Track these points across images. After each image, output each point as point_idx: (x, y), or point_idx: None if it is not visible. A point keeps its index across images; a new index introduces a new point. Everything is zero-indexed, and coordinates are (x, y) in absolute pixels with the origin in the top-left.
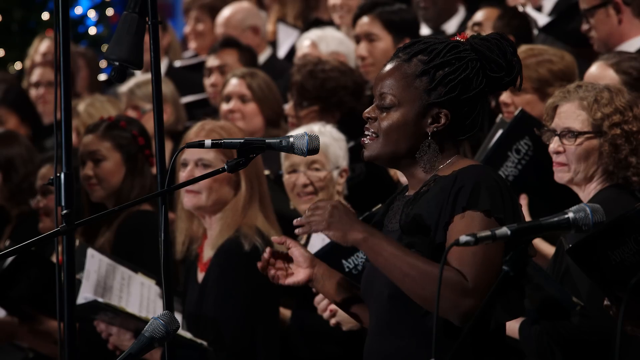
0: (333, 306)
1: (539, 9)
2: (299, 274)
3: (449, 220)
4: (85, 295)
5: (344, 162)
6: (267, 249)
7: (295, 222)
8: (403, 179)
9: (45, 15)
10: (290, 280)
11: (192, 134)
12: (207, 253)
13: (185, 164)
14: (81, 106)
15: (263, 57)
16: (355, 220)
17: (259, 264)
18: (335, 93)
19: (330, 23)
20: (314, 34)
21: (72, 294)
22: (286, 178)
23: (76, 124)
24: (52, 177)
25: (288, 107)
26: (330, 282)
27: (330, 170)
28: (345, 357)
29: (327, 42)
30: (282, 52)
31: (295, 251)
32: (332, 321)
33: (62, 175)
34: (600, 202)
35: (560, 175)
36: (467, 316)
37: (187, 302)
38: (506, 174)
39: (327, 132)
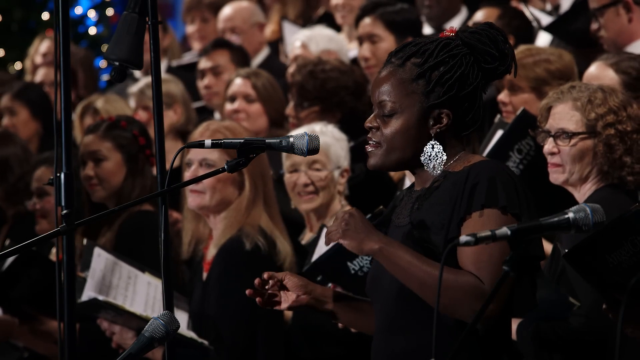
0: None
1: (556, 8)
2: (295, 299)
3: (464, 216)
4: (88, 293)
5: (345, 162)
6: (257, 280)
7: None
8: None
9: (45, 15)
10: (285, 306)
11: (197, 134)
12: (211, 252)
13: (189, 164)
14: (99, 103)
15: (260, 57)
16: (370, 230)
17: (248, 292)
18: (336, 93)
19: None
20: (302, 34)
21: (72, 294)
22: (287, 177)
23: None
24: (52, 177)
25: (289, 107)
26: (327, 299)
27: (331, 170)
28: (347, 357)
29: (317, 41)
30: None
31: (289, 282)
32: (341, 324)
33: (62, 175)
34: (596, 202)
35: (555, 176)
36: (488, 320)
37: (192, 301)
38: None
39: (328, 132)
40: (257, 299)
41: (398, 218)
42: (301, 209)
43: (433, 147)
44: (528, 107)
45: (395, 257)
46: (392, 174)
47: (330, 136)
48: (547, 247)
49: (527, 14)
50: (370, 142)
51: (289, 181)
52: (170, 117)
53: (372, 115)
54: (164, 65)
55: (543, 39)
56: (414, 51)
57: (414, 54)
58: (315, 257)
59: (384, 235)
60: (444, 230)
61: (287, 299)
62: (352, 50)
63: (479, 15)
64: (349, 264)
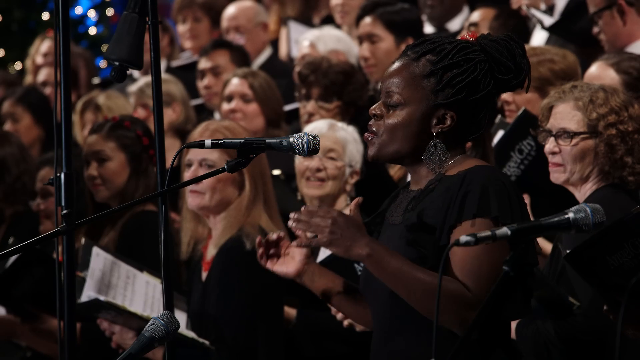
0: None
1: (551, 8)
2: (289, 265)
3: (454, 223)
4: (88, 293)
5: (357, 165)
6: (270, 235)
7: (291, 215)
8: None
9: (45, 15)
10: (278, 269)
11: (197, 134)
12: (211, 252)
13: (189, 164)
14: (100, 99)
15: (263, 56)
16: (357, 234)
17: (258, 239)
18: (355, 91)
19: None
20: (311, 34)
21: (72, 294)
22: (300, 161)
23: (98, 117)
24: (52, 177)
25: (310, 104)
26: (322, 280)
27: (345, 163)
28: (351, 356)
29: (325, 41)
30: (295, 50)
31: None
32: (345, 322)
33: (62, 175)
34: (596, 202)
35: (556, 176)
36: (467, 324)
37: (192, 301)
38: (509, 174)
39: (349, 130)
40: (260, 250)
41: (392, 216)
42: (307, 195)
43: (435, 146)
44: (531, 106)
45: (383, 263)
46: (392, 173)
47: (350, 134)
48: (547, 247)
49: (530, 15)
50: (370, 129)
51: (300, 165)
52: (169, 115)
53: (378, 103)
54: (163, 65)
55: (538, 38)
56: (431, 48)
57: (430, 51)
58: (321, 257)
59: (372, 239)
60: (435, 235)
61: (283, 262)
62: None
63: (475, 16)
64: (355, 265)
